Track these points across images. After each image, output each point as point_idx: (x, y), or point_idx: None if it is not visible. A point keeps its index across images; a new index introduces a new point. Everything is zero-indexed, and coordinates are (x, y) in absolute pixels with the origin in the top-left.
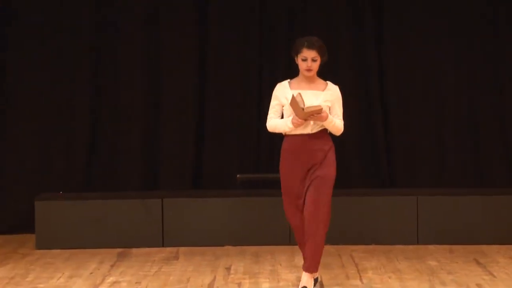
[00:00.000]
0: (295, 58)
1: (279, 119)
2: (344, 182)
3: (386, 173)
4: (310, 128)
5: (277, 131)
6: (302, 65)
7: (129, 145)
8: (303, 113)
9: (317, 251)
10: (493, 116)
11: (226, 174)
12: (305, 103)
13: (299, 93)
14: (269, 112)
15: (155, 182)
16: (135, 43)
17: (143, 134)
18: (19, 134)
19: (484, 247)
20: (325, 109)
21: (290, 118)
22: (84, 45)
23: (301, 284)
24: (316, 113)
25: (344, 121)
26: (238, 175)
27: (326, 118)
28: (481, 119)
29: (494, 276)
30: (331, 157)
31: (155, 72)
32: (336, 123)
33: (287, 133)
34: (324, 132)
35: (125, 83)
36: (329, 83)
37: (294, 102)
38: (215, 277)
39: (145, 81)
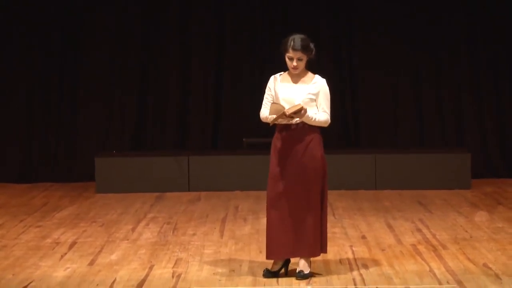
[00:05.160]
0: (283, 54)
1: (268, 111)
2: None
3: (354, 138)
4: (294, 119)
5: (266, 121)
6: (288, 64)
7: (166, 118)
8: (286, 116)
9: (317, 238)
10: (432, 95)
11: (236, 139)
12: (284, 106)
13: (273, 103)
14: (263, 103)
15: (184, 144)
16: (171, 46)
17: (176, 110)
18: (86, 112)
19: (424, 192)
20: (308, 101)
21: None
22: (135, 47)
23: (303, 268)
24: (298, 111)
25: (330, 114)
26: (244, 139)
27: (304, 115)
28: (424, 99)
29: (432, 213)
30: (314, 148)
31: (186, 64)
32: (316, 118)
33: (274, 124)
34: (307, 123)
35: (164, 71)
36: (317, 76)
37: (273, 110)
38: (227, 214)
39: (179, 72)
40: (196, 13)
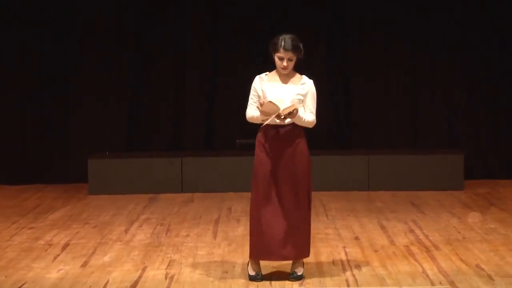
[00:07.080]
0: (273, 54)
1: (255, 111)
2: (316, 145)
3: (347, 139)
4: (286, 120)
5: (253, 121)
6: (278, 63)
7: (159, 119)
8: (281, 116)
9: (306, 238)
10: (428, 95)
11: (229, 140)
12: (279, 107)
13: (270, 101)
14: (249, 103)
15: (177, 145)
16: (168, 47)
17: (172, 110)
18: (79, 113)
19: (418, 193)
20: (296, 102)
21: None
22: (131, 47)
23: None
24: (291, 112)
25: (316, 115)
26: (237, 140)
27: (295, 115)
28: (419, 99)
29: (425, 214)
30: (302, 149)
31: (180, 64)
32: (305, 119)
33: (263, 124)
34: (296, 124)
35: (159, 72)
36: (304, 77)
37: (268, 109)
38: (220, 215)
39: (173, 72)
40: (195, 13)
